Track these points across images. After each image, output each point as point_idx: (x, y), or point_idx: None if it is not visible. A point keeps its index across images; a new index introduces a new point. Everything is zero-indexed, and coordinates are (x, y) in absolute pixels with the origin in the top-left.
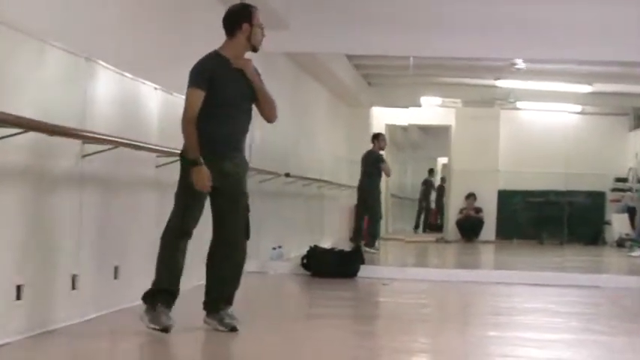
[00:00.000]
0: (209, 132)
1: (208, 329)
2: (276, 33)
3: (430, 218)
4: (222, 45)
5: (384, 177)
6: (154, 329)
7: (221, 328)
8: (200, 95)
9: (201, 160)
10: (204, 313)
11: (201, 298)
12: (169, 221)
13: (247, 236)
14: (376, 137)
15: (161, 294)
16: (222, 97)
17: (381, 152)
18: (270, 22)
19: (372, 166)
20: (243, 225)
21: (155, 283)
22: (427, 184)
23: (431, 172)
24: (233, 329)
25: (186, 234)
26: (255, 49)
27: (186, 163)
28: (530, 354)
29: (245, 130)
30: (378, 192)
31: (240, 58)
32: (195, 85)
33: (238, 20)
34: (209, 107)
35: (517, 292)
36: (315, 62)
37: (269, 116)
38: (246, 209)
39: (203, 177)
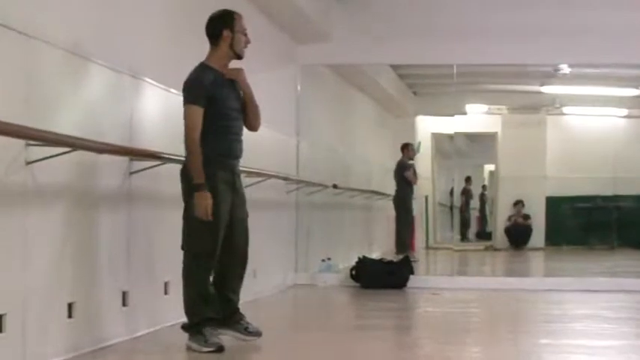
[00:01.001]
0: (213, 147)
1: (241, 343)
2: (319, 45)
3: (476, 227)
4: (207, 55)
5: (429, 186)
6: (209, 352)
7: (249, 338)
8: (200, 112)
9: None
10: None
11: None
12: (192, 246)
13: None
14: (405, 147)
15: (205, 321)
16: (221, 110)
17: (410, 162)
18: (312, 35)
19: (400, 175)
20: (246, 234)
21: (195, 315)
22: (466, 193)
23: (468, 180)
24: (258, 333)
25: (216, 253)
26: (239, 57)
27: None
28: None
29: (241, 140)
30: (409, 201)
31: (229, 68)
32: (194, 101)
33: (219, 27)
34: (210, 122)
35: (568, 299)
36: (359, 73)
37: (255, 125)
38: (246, 215)
39: (208, 204)
